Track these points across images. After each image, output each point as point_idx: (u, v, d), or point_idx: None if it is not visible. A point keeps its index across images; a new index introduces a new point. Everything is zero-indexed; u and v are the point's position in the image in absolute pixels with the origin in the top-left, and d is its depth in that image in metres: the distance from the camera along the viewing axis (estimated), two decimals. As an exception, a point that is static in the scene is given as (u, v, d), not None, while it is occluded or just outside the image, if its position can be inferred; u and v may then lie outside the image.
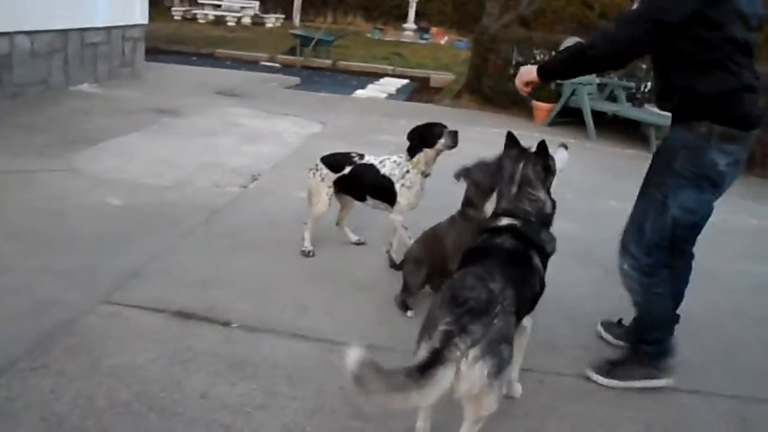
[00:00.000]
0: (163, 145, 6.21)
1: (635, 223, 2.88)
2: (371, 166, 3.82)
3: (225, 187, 5.14)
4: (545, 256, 2.55)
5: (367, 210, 4.13)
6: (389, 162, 3.80)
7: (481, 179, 3.25)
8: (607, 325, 3.41)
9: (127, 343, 2.89)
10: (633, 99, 9.45)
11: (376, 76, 14.36)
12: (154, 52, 12.19)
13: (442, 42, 21.22)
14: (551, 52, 9.51)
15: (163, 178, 5.20)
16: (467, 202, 3.34)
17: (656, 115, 8.46)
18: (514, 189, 2.58)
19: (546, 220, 2.60)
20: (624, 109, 8.99)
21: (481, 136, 6.20)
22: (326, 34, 16.32)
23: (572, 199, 5.08)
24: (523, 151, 2.66)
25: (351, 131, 7.57)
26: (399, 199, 3.76)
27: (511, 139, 2.70)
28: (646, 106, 9.05)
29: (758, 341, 3.56)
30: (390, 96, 12.03)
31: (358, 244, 4.27)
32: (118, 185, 4.91)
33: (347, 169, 3.85)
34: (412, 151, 3.73)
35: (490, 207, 2.83)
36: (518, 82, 3.06)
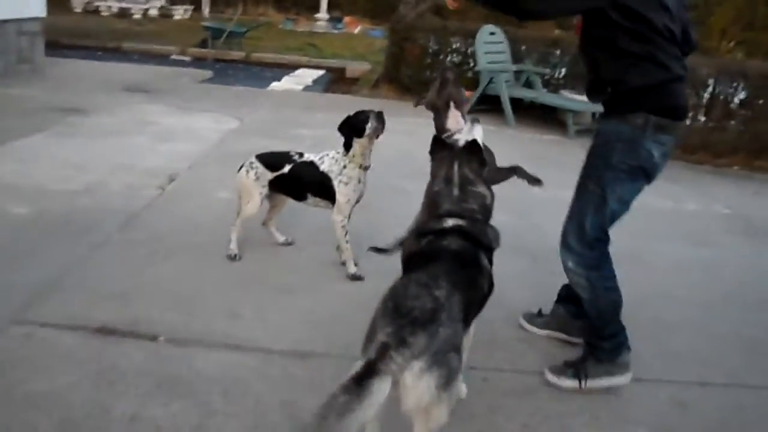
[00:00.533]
0: (70, 147, 5.86)
1: (575, 220, 2.88)
2: (311, 164, 3.70)
3: (141, 190, 4.87)
4: (491, 253, 2.50)
5: (294, 208, 4.00)
6: (327, 158, 3.70)
7: (433, 99, 3.28)
8: (529, 318, 3.41)
9: (43, 366, 2.67)
10: (548, 85, 9.62)
11: (291, 67, 14.06)
12: (55, 47, 11.51)
13: (356, 31, 21.10)
14: (467, 39, 9.60)
15: (73, 182, 4.89)
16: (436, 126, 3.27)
17: (572, 100, 8.66)
18: (456, 191, 2.50)
19: (488, 214, 2.56)
20: (540, 95, 9.12)
21: (404, 127, 6.11)
22: (238, 25, 15.86)
23: (496, 187, 5.09)
24: (454, 150, 2.61)
25: (269, 125, 7.36)
26: (338, 196, 3.66)
27: (438, 143, 2.69)
28: (562, 92, 9.24)
29: (687, 323, 3.65)
30: (306, 87, 11.80)
31: (285, 244, 4.13)
32: (22, 192, 4.58)
33: (287, 168, 3.71)
34: (347, 145, 3.64)
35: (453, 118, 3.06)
36: None
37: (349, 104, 8.30)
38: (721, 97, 8.50)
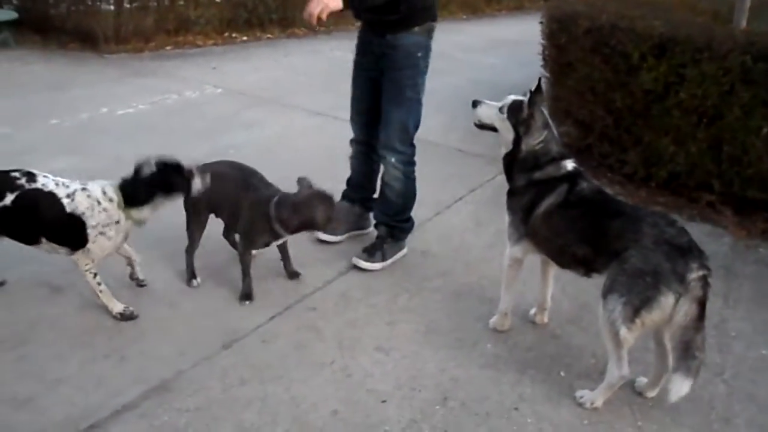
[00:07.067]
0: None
1: (398, 125, 3.30)
2: (51, 197, 2.68)
3: None
4: None
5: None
6: (84, 196, 2.71)
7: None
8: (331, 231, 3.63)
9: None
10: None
11: None
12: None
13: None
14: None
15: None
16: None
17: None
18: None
19: None
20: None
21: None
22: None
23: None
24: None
25: None
26: (90, 246, 2.75)
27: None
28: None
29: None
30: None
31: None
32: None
33: (8, 198, 2.67)
34: (137, 197, 2.76)
35: None
36: (316, 8, 2.91)
37: None
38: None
